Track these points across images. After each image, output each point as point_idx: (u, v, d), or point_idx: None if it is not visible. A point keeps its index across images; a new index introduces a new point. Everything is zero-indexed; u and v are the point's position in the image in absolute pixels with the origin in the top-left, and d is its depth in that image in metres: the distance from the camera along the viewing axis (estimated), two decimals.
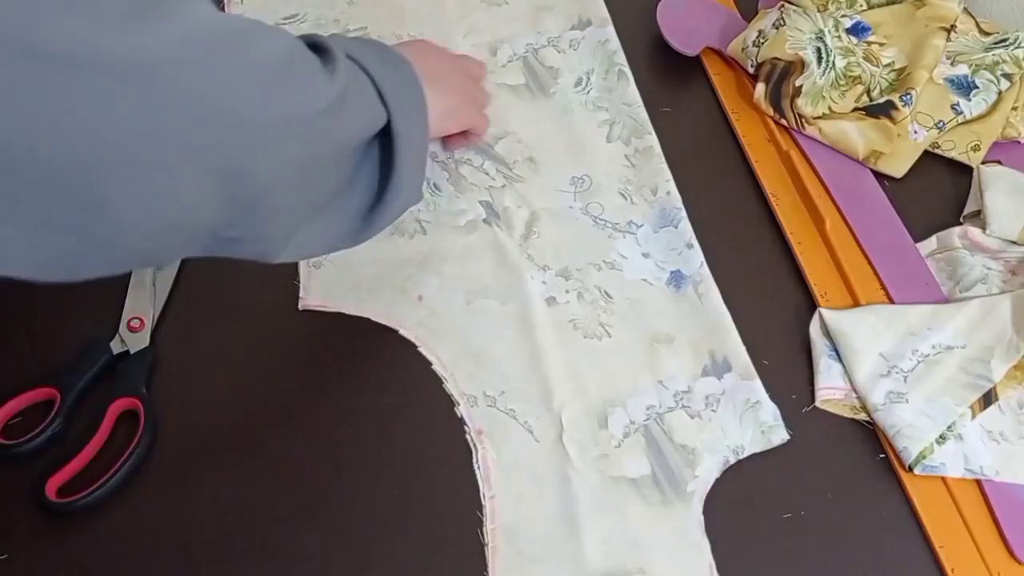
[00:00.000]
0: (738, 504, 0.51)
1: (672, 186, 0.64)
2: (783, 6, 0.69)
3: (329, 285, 0.55)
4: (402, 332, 0.57)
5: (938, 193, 0.65)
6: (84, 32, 0.29)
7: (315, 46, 0.44)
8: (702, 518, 0.50)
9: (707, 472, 0.52)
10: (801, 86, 0.66)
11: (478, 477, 0.51)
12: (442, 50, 0.63)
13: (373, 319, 0.57)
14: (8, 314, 0.55)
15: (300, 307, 0.57)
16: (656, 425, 0.53)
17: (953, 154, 0.66)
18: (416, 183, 0.50)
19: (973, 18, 0.70)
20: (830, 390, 0.55)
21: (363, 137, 0.46)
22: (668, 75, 0.72)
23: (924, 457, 0.52)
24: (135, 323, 0.54)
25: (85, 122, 0.29)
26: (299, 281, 0.58)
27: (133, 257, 0.36)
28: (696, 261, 0.60)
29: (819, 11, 0.69)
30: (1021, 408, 0.54)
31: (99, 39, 0.29)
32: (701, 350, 0.56)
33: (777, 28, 0.68)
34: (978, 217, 0.62)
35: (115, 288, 0.56)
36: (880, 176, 0.66)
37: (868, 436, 0.54)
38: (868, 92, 0.67)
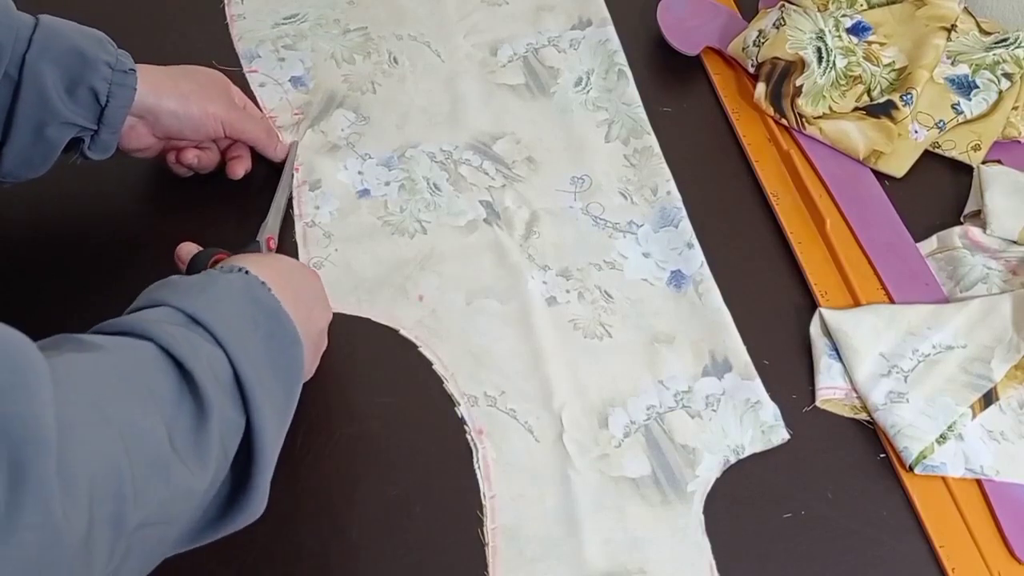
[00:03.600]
0: (738, 504, 0.51)
1: (672, 186, 0.64)
2: (783, 6, 0.69)
3: (329, 285, 0.55)
4: (402, 332, 0.57)
5: (938, 193, 0.65)
6: None
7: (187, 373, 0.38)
8: (702, 518, 0.50)
9: (707, 472, 0.52)
10: (801, 86, 0.66)
11: (478, 477, 0.51)
12: (305, 281, 0.52)
13: (373, 319, 0.57)
14: None
15: None
16: (656, 425, 0.53)
17: (953, 154, 0.66)
18: (263, 493, 0.42)
19: (973, 18, 0.70)
20: (830, 390, 0.55)
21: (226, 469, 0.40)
22: (668, 75, 0.72)
23: (924, 457, 0.51)
24: None
25: None
26: None
27: None
28: (696, 261, 0.60)
29: (819, 11, 0.69)
30: (1021, 408, 0.54)
31: None
32: (701, 350, 0.56)
33: (777, 28, 0.68)
34: (978, 217, 0.62)
35: None
36: (880, 176, 0.66)
37: (868, 436, 0.54)
38: (868, 92, 0.67)
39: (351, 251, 0.60)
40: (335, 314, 0.55)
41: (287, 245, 0.61)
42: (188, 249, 0.53)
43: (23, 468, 0.28)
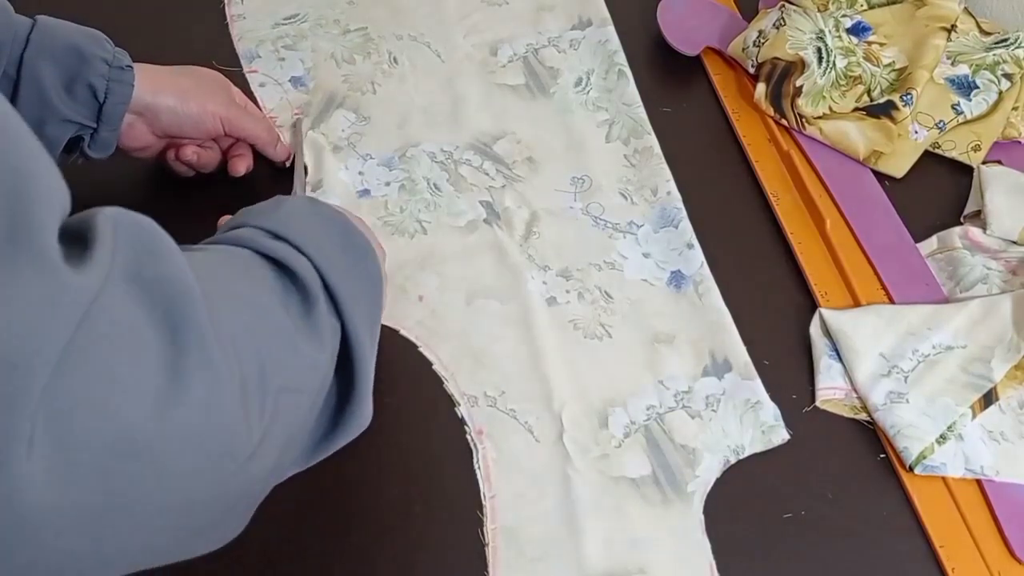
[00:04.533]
0: (738, 504, 0.51)
1: (672, 186, 0.64)
2: (783, 6, 0.69)
3: None
4: (402, 332, 0.57)
5: (938, 193, 0.65)
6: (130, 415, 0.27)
7: (286, 268, 0.39)
8: (702, 518, 0.50)
9: (707, 472, 0.52)
10: (802, 86, 0.66)
11: (478, 477, 0.51)
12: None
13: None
14: None
15: None
16: (656, 425, 0.53)
17: (953, 154, 0.66)
18: (368, 400, 0.43)
19: (973, 18, 0.70)
20: (830, 390, 0.55)
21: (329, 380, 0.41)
22: (668, 75, 0.72)
23: (924, 457, 0.52)
24: None
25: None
26: None
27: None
28: (696, 261, 0.60)
29: (819, 11, 0.69)
30: (1021, 408, 0.54)
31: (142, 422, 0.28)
32: (701, 350, 0.56)
33: (777, 28, 0.68)
34: (978, 217, 0.62)
35: None
36: (880, 176, 0.66)
37: (868, 436, 0.54)
38: (868, 92, 0.67)
39: None
40: None
41: None
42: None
43: (182, 317, 0.29)
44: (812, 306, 0.59)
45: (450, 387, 0.54)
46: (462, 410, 0.54)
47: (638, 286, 0.59)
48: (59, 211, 0.27)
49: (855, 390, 0.55)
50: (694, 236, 0.61)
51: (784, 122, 0.67)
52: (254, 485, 0.36)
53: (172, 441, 0.29)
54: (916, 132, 0.65)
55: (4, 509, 0.25)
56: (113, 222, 0.29)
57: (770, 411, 0.54)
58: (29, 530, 0.26)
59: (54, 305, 0.25)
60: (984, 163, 0.66)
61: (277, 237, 0.41)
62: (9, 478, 0.25)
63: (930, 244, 0.62)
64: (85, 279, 0.26)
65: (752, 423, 0.53)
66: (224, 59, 0.70)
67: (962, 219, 0.64)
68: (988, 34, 0.69)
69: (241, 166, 0.62)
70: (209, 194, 0.62)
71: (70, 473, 0.26)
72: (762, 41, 0.69)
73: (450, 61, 0.71)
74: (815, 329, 0.57)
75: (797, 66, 0.67)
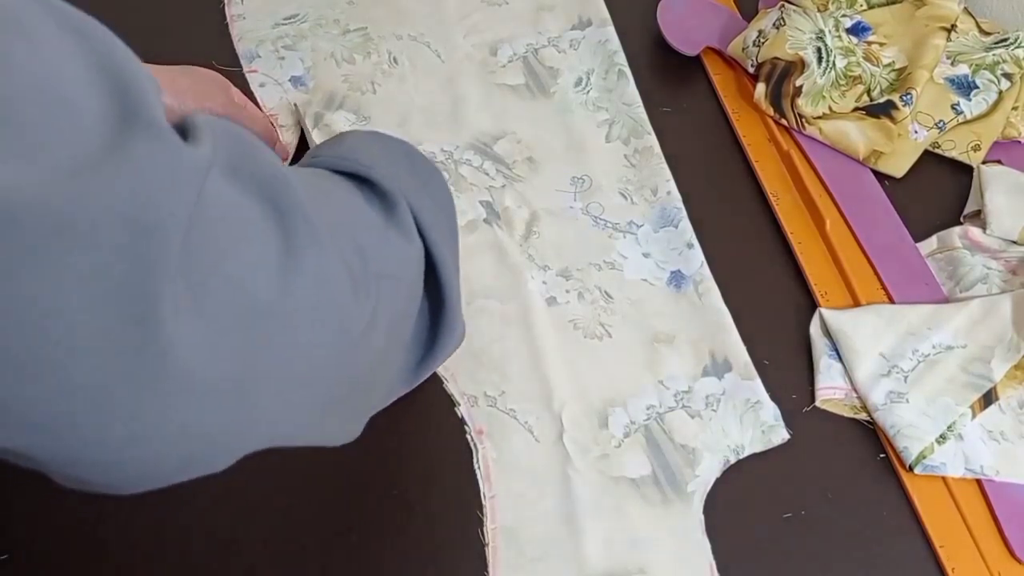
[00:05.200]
0: (738, 504, 0.51)
1: (672, 186, 0.64)
2: (783, 6, 0.69)
3: None
4: None
5: (938, 193, 0.65)
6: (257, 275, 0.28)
7: (363, 180, 0.40)
8: (702, 518, 0.50)
9: (707, 472, 0.52)
10: (801, 86, 0.66)
11: (478, 477, 0.51)
12: None
13: None
14: None
15: None
16: (656, 425, 0.53)
17: (953, 154, 0.66)
18: (460, 315, 0.44)
19: (973, 18, 0.70)
20: (830, 390, 0.55)
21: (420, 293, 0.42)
22: (668, 75, 0.72)
23: (924, 457, 0.52)
24: None
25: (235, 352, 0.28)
26: None
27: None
28: (696, 261, 0.60)
29: (819, 11, 0.69)
30: (1021, 408, 0.54)
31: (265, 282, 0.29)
32: (701, 350, 0.56)
33: (777, 28, 0.68)
34: (978, 217, 0.62)
35: None
36: (880, 176, 0.66)
37: (868, 436, 0.54)
38: (868, 92, 0.67)
39: None
40: None
41: None
42: None
43: (285, 203, 0.30)
44: (812, 306, 0.59)
45: (450, 387, 0.54)
46: (462, 410, 0.54)
47: (638, 286, 0.59)
48: (160, 99, 0.28)
49: (855, 390, 0.55)
50: (694, 236, 0.61)
51: (784, 122, 0.67)
52: (371, 369, 0.37)
53: (296, 312, 0.29)
54: (916, 132, 0.65)
55: (159, 371, 0.25)
56: (209, 122, 0.30)
57: (770, 411, 0.54)
58: (180, 395, 0.26)
59: (175, 171, 0.25)
60: (984, 163, 0.66)
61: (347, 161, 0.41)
62: (161, 340, 0.25)
63: (930, 244, 0.62)
64: (199, 151, 0.27)
65: (752, 423, 0.53)
66: (224, 59, 0.70)
67: (962, 219, 0.64)
68: (988, 34, 0.69)
69: None
70: None
71: (213, 340, 0.27)
72: (762, 41, 0.69)
73: (450, 61, 0.71)
74: (815, 329, 0.57)
75: (797, 66, 0.67)
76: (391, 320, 0.37)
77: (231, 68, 0.69)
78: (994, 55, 0.67)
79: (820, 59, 0.66)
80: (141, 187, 0.24)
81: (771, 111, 0.67)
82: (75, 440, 0.26)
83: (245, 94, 0.64)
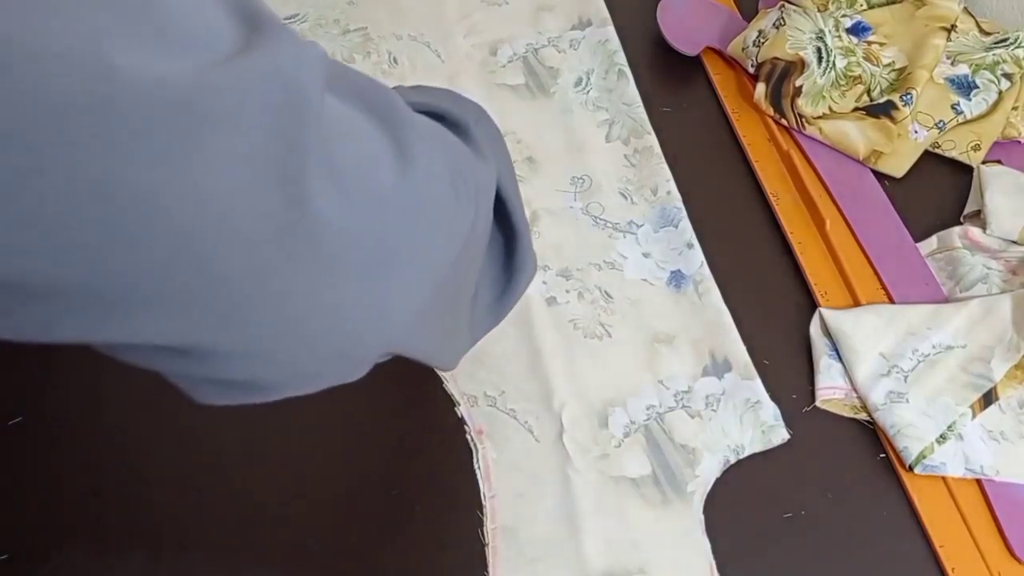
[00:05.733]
0: (738, 504, 0.51)
1: (672, 186, 0.64)
2: (783, 6, 0.69)
3: None
4: None
5: (938, 193, 0.65)
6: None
7: (442, 116, 0.40)
8: (702, 518, 0.50)
9: (707, 472, 0.52)
10: (801, 86, 0.66)
11: (478, 477, 0.51)
12: None
13: None
14: None
15: None
16: (656, 425, 0.53)
17: (953, 154, 0.66)
18: (532, 248, 0.44)
19: (973, 18, 0.70)
20: (830, 390, 0.55)
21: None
22: (668, 75, 0.72)
23: (924, 457, 0.51)
24: None
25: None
26: None
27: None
28: (696, 261, 0.60)
29: (819, 11, 0.69)
30: (1021, 408, 0.54)
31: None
32: (701, 350, 0.56)
33: (777, 28, 0.68)
34: (978, 217, 0.62)
35: None
36: (880, 176, 0.66)
37: (868, 436, 0.54)
38: (868, 92, 0.67)
39: None
40: None
41: None
42: None
43: (387, 109, 0.31)
44: (812, 306, 0.59)
45: (450, 387, 0.54)
46: (462, 410, 0.54)
47: (638, 286, 0.59)
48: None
49: (855, 390, 0.55)
50: (694, 236, 0.61)
51: (784, 122, 0.67)
52: (470, 286, 0.38)
53: (415, 206, 0.30)
54: (916, 132, 0.65)
55: (311, 251, 0.26)
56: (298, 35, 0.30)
57: (770, 411, 0.54)
58: (329, 274, 0.27)
59: (307, 58, 0.26)
60: (984, 163, 0.66)
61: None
62: (311, 219, 0.25)
63: (930, 244, 0.62)
64: (317, 47, 0.27)
65: (752, 423, 0.53)
66: None
67: (962, 219, 0.64)
68: (988, 34, 0.69)
69: None
70: None
71: (353, 221, 0.27)
72: (762, 41, 0.69)
73: (450, 61, 0.71)
74: (815, 329, 0.57)
75: (797, 66, 0.67)
76: (484, 236, 0.38)
77: None
78: (994, 55, 0.67)
79: (820, 59, 0.66)
80: (284, 71, 0.24)
81: (771, 111, 0.67)
82: (233, 328, 0.26)
83: None
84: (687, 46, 0.72)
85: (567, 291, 0.59)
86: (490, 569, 0.48)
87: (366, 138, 0.29)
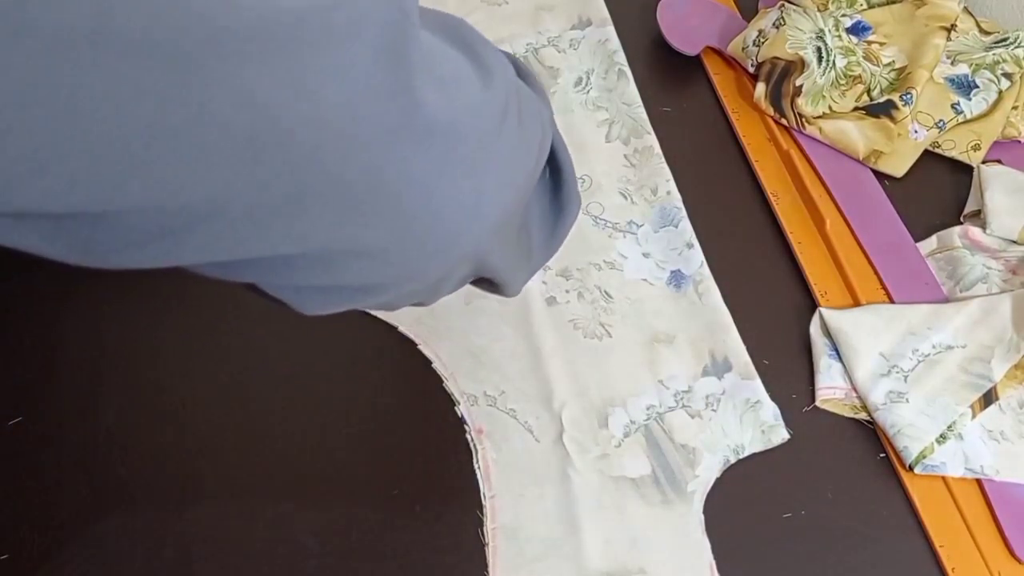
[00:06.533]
0: (738, 504, 0.51)
1: (672, 186, 0.64)
2: (783, 5, 0.69)
3: None
4: (401, 329, 0.57)
5: (938, 193, 0.65)
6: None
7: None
8: (702, 518, 0.50)
9: (707, 472, 0.52)
10: (801, 86, 0.66)
11: (478, 477, 0.51)
12: None
13: (372, 312, 0.57)
14: None
15: None
16: (656, 425, 0.53)
17: (953, 153, 0.66)
18: (576, 185, 0.46)
19: (973, 17, 0.70)
20: (830, 390, 0.55)
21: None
22: (668, 75, 0.72)
23: (924, 456, 0.51)
24: None
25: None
26: None
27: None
28: (696, 261, 0.60)
29: (819, 10, 0.69)
30: (1021, 408, 0.54)
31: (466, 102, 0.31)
32: (701, 350, 0.56)
33: (777, 27, 0.68)
34: (978, 216, 0.62)
35: None
36: (880, 176, 0.66)
37: (868, 436, 0.54)
38: (868, 91, 0.67)
39: None
40: None
41: None
42: None
43: (457, 32, 0.33)
44: (812, 306, 0.59)
45: (449, 386, 0.54)
46: (461, 409, 0.54)
47: (638, 286, 0.59)
48: None
49: (855, 390, 0.55)
50: (694, 236, 0.61)
51: (784, 122, 0.67)
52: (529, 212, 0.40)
53: (498, 125, 0.32)
54: (916, 132, 0.65)
55: (421, 137, 0.28)
56: None
57: (770, 411, 0.54)
58: (439, 160, 0.29)
59: None
60: (984, 162, 0.66)
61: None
62: (424, 115, 0.28)
63: (930, 244, 0.62)
64: None
65: (752, 423, 0.53)
66: None
67: (962, 219, 0.64)
68: (988, 33, 0.69)
69: None
70: None
71: (459, 121, 0.29)
72: (762, 41, 0.69)
73: None
74: (815, 329, 0.57)
75: (797, 66, 0.67)
76: (543, 162, 0.39)
77: None
78: (994, 55, 0.67)
79: (820, 59, 0.66)
80: None
81: (771, 111, 0.67)
82: (358, 230, 0.28)
83: None
84: (687, 46, 0.72)
85: (567, 291, 0.59)
86: (490, 569, 0.48)
87: (451, 56, 0.31)
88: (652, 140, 0.66)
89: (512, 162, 0.33)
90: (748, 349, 0.56)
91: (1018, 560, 0.49)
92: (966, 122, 0.66)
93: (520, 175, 0.34)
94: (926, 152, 0.66)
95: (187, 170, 0.23)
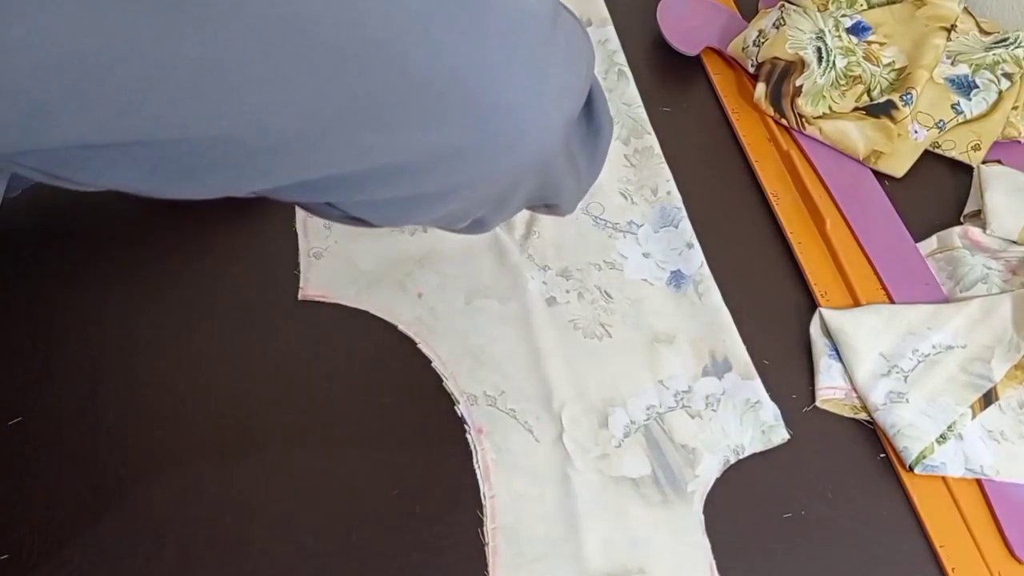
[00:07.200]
0: (738, 504, 0.51)
1: (672, 186, 0.64)
2: (783, 6, 0.69)
3: (329, 276, 0.55)
4: (401, 327, 0.57)
5: (938, 193, 0.65)
6: None
7: None
8: (702, 518, 0.50)
9: (707, 472, 0.52)
10: (801, 86, 0.66)
11: (478, 477, 0.51)
12: None
13: (372, 312, 0.57)
14: None
15: (300, 297, 0.57)
16: (656, 425, 0.53)
17: (953, 154, 0.66)
18: (608, 111, 0.47)
19: (973, 17, 0.70)
20: (830, 390, 0.55)
21: None
22: (668, 75, 0.72)
23: (924, 457, 0.51)
24: None
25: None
26: (299, 271, 0.58)
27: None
28: (696, 261, 0.60)
29: (819, 11, 0.69)
30: (1021, 408, 0.54)
31: None
32: (701, 350, 0.56)
33: (777, 28, 0.68)
34: (978, 217, 0.62)
35: None
36: (880, 176, 0.66)
37: (868, 436, 0.54)
38: (868, 92, 0.67)
39: (351, 244, 0.60)
40: (335, 306, 0.55)
41: (287, 235, 0.60)
42: None
43: None
44: (812, 306, 0.59)
45: (449, 385, 0.54)
46: (461, 409, 0.54)
47: (638, 286, 0.59)
48: None
49: (855, 390, 0.55)
50: (694, 236, 0.61)
51: (784, 122, 0.67)
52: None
53: (564, 25, 0.34)
54: (916, 132, 0.65)
55: (493, 33, 0.29)
56: None
57: (770, 411, 0.54)
58: (507, 56, 0.30)
59: None
60: (984, 163, 0.66)
61: None
62: (494, 10, 0.29)
63: (930, 244, 0.62)
64: None
65: (752, 423, 0.53)
66: None
67: (962, 219, 0.64)
68: (988, 34, 0.69)
69: None
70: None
71: (526, 23, 0.31)
72: (762, 41, 0.69)
73: None
74: (815, 329, 0.57)
75: (797, 66, 0.67)
76: (591, 72, 0.40)
77: None
78: (994, 55, 0.67)
79: (820, 59, 0.66)
80: None
81: (771, 111, 0.67)
82: (442, 130, 0.29)
83: None
84: (687, 46, 0.72)
85: (567, 291, 0.59)
86: (490, 569, 0.48)
87: None
88: (652, 140, 0.66)
89: (567, 64, 0.34)
90: (748, 349, 0.56)
91: (1018, 560, 0.49)
92: (966, 122, 0.66)
93: (574, 77, 0.35)
94: (926, 152, 0.66)
95: (281, 87, 0.25)
